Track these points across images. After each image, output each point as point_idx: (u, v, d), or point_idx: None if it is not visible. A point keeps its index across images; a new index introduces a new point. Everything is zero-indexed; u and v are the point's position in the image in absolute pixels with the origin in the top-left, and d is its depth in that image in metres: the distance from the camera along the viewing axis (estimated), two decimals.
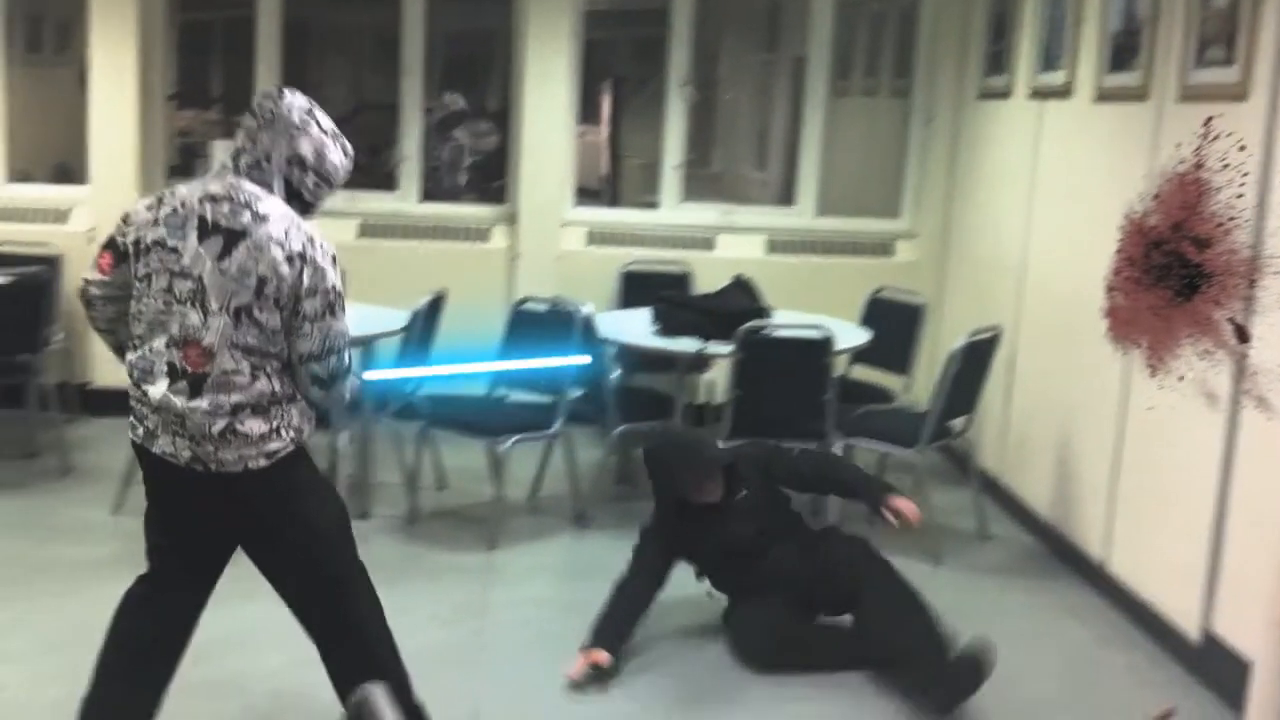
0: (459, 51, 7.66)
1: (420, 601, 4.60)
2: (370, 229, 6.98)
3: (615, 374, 5.67)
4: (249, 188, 2.98)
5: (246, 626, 4.32)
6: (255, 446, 2.96)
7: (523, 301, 5.77)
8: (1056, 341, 5.46)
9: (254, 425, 2.95)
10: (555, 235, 6.96)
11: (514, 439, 5.24)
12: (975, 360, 5.28)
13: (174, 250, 2.94)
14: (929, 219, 7.10)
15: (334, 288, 2.97)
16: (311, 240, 2.96)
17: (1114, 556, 4.83)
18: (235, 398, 2.93)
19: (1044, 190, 5.72)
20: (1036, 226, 5.77)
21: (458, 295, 5.88)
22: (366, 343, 5.41)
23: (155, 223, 2.98)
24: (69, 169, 7.37)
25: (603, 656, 4.01)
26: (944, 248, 7.02)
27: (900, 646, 4.04)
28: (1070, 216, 5.40)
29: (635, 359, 6.05)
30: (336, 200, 6.97)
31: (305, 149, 3.03)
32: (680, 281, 6.63)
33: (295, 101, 3.06)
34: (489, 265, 6.96)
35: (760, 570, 4.26)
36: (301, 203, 3.06)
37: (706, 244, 7.05)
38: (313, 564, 3.20)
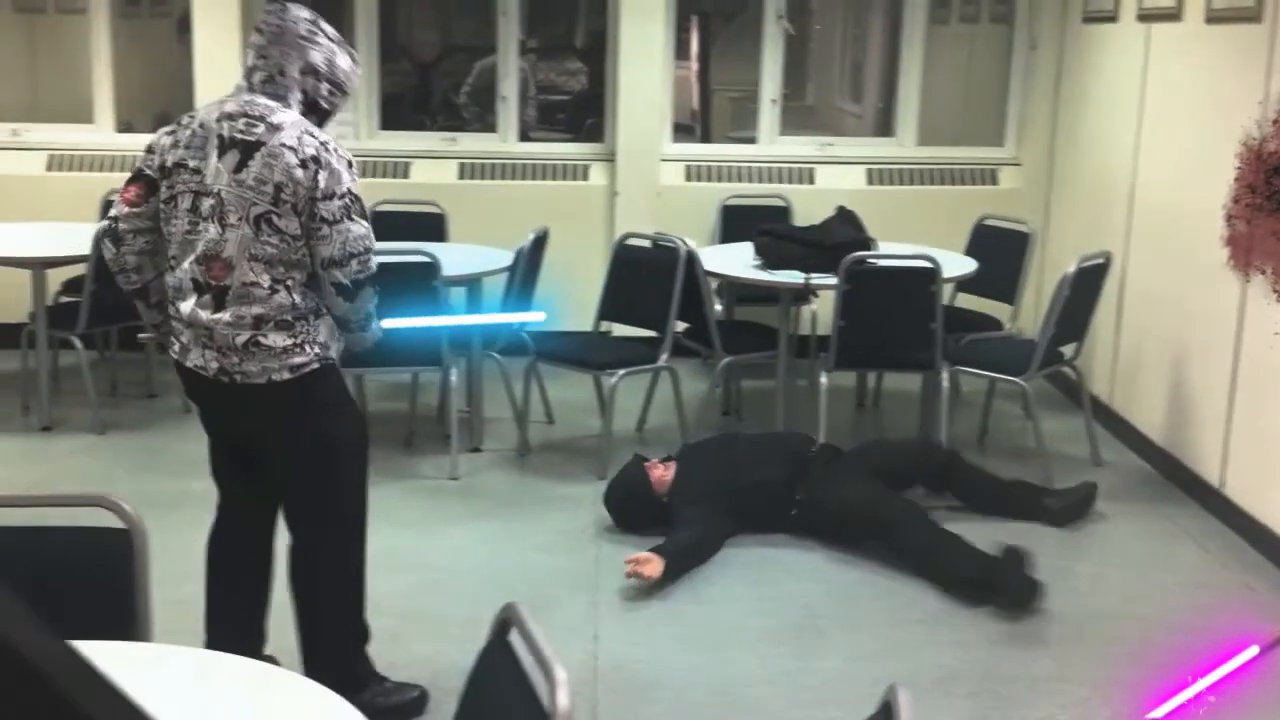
0: None
1: (537, 529, 4.70)
2: (470, 170, 7.05)
3: (719, 307, 5.69)
4: (263, 102, 3.05)
5: (381, 550, 4.44)
6: (278, 359, 3.03)
7: (625, 238, 5.80)
8: (1167, 266, 5.38)
9: (277, 338, 3.02)
10: (654, 171, 6.97)
11: (621, 373, 5.29)
12: (1086, 286, 5.22)
13: (196, 171, 3.04)
14: (1033, 146, 6.99)
15: (350, 191, 3.02)
16: (325, 145, 3.01)
17: (1230, 480, 4.78)
18: (256, 310, 3.01)
19: (1153, 115, 5.61)
20: (1145, 151, 5.67)
21: (558, 234, 5.94)
22: (472, 281, 5.49)
23: (176, 145, 3.08)
24: (169, 118, 7.49)
25: (655, 568, 4.13)
26: (1049, 175, 6.92)
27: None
28: (1181, 141, 5.29)
29: (738, 292, 6.08)
30: (435, 141, 7.16)
31: (316, 58, 3.09)
32: (780, 215, 6.62)
33: (300, 14, 3.11)
34: (588, 203, 6.99)
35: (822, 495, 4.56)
36: (319, 112, 3.13)
37: (805, 177, 7.02)
38: (318, 482, 3.23)
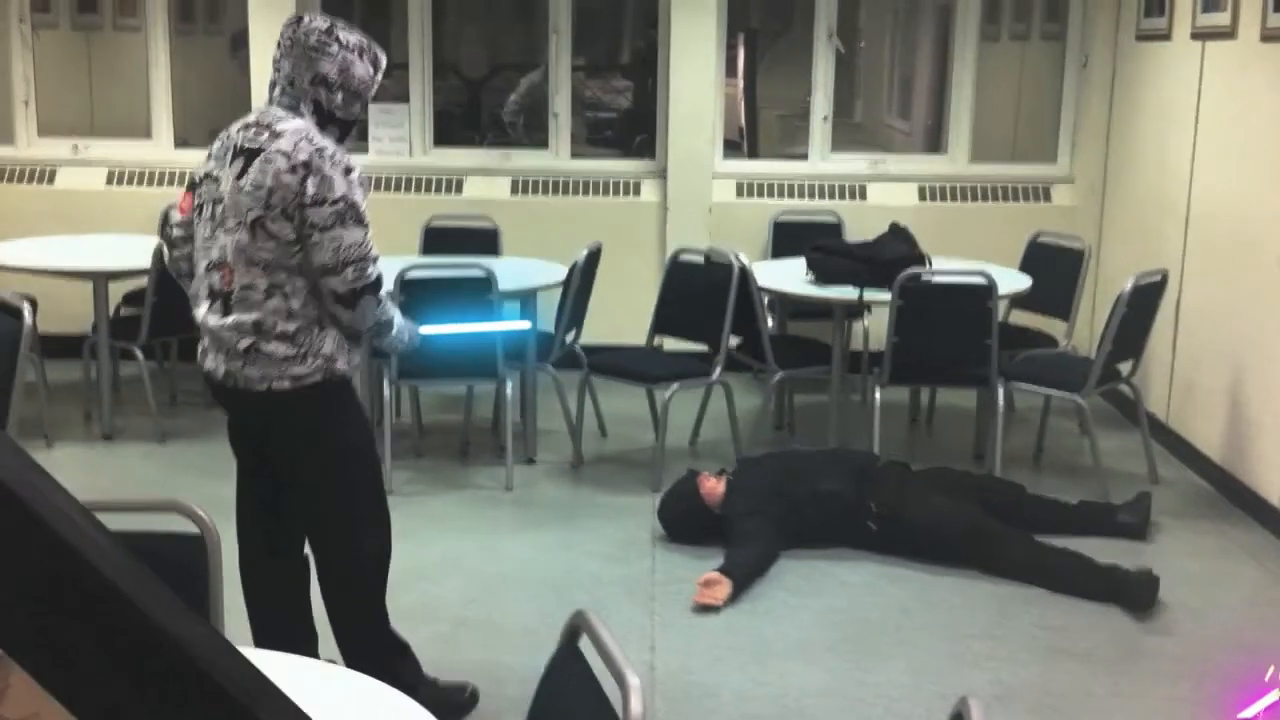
0: (587, 9, 7.76)
1: (591, 539, 4.73)
2: (523, 185, 7.10)
3: (771, 322, 5.71)
4: (276, 111, 3.10)
5: (432, 559, 4.50)
6: (278, 367, 3.06)
7: (679, 253, 5.82)
8: (1224, 284, 5.35)
9: (277, 347, 3.05)
10: (706, 187, 7.00)
11: (674, 386, 5.31)
12: (1142, 303, 5.20)
13: (216, 179, 3.11)
14: (1087, 163, 6.97)
15: (344, 198, 3.00)
16: (320, 151, 3.01)
17: None
18: (254, 315, 3.04)
19: (1208, 132, 5.59)
20: (1201, 169, 5.64)
21: (610, 249, 5.97)
22: (526, 296, 5.53)
23: (209, 157, 3.16)
24: None
25: (723, 591, 4.15)
26: (1103, 191, 6.90)
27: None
28: (1237, 158, 5.27)
29: (790, 307, 6.09)
30: (488, 158, 7.22)
31: (326, 68, 3.09)
32: (832, 230, 6.63)
33: (313, 25, 3.12)
34: (641, 219, 7.03)
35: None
36: (337, 121, 3.13)
37: (857, 193, 7.03)
38: (322, 492, 3.24)
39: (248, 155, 3.05)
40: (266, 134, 3.05)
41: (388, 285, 4.93)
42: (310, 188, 2.98)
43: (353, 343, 3.17)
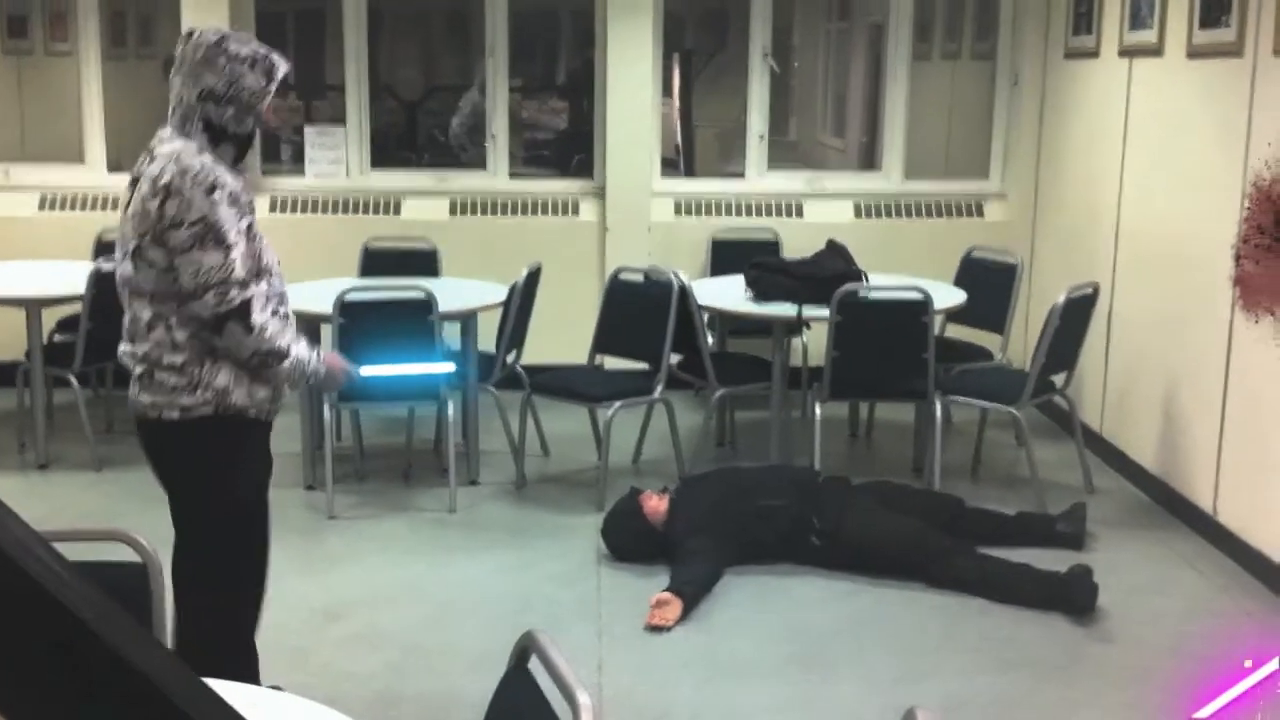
0: (522, 31, 7.78)
1: (537, 560, 4.72)
2: (461, 206, 7.09)
3: (712, 339, 5.74)
4: (162, 134, 3.00)
5: (382, 584, 4.48)
6: (168, 396, 2.98)
7: (618, 272, 5.84)
8: (1155, 296, 5.45)
9: (167, 376, 2.97)
10: (644, 206, 7.03)
11: (617, 405, 5.32)
12: (1075, 316, 5.29)
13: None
14: (1019, 179, 7.09)
15: (204, 219, 2.87)
16: (184, 172, 2.88)
17: (1223, 506, 4.83)
18: (142, 346, 2.99)
19: (1137, 147, 5.71)
20: (1131, 184, 5.76)
21: (550, 268, 5.98)
22: (467, 317, 5.52)
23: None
24: None
25: (674, 611, 4.16)
26: (1036, 207, 7.01)
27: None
28: (1166, 174, 5.38)
29: (730, 324, 6.13)
30: (426, 179, 7.22)
31: (211, 82, 2.95)
32: (770, 248, 6.68)
33: (202, 39, 2.99)
34: (580, 238, 7.04)
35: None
36: (230, 137, 2.99)
37: (794, 210, 7.09)
38: (196, 537, 3.11)
39: (133, 183, 2.98)
40: (148, 159, 2.97)
41: (324, 308, 4.98)
42: (169, 210, 2.87)
43: (254, 375, 3.01)
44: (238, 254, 2.91)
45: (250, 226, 2.99)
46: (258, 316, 2.94)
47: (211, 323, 2.91)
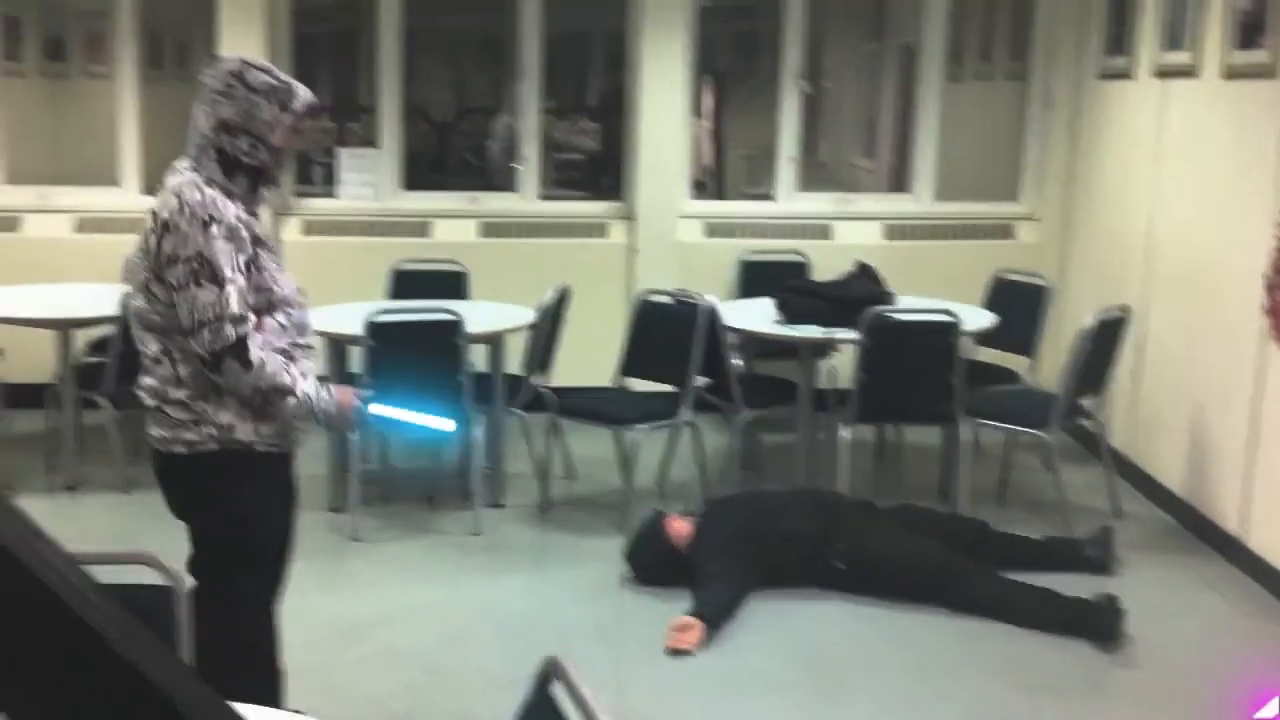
0: (555, 52, 7.82)
1: (560, 583, 4.73)
2: (491, 228, 7.12)
3: (739, 362, 5.73)
4: (177, 164, 2.97)
5: (401, 606, 4.48)
6: (174, 431, 2.96)
7: (646, 294, 5.85)
8: (1186, 320, 5.41)
9: (174, 411, 2.95)
10: (673, 228, 7.04)
11: (642, 427, 5.32)
12: (1105, 340, 5.25)
13: None
14: (1050, 201, 7.05)
15: (199, 254, 2.83)
16: (181, 207, 2.84)
17: (1252, 531, 4.78)
18: (151, 380, 2.98)
19: (1170, 170, 5.67)
20: (1164, 206, 5.71)
21: (579, 291, 5.99)
22: (494, 339, 5.53)
23: None
24: None
25: (696, 636, 4.14)
26: (1066, 229, 6.97)
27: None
28: (1198, 196, 5.34)
29: (758, 347, 6.11)
30: (456, 201, 7.26)
31: (227, 113, 2.91)
32: (799, 270, 6.67)
33: (223, 66, 2.96)
34: (608, 260, 7.05)
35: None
36: (245, 169, 2.95)
37: (823, 232, 7.08)
38: (211, 564, 3.09)
39: (150, 215, 2.96)
40: (161, 191, 2.97)
41: (355, 329, 5.00)
42: (166, 245, 2.85)
43: (258, 412, 2.97)
44: (233, 289, 2.87)
45: (255, 260, 2.94)
46: (255, 353, 2.90)
47: (209, 360, 2.89)
